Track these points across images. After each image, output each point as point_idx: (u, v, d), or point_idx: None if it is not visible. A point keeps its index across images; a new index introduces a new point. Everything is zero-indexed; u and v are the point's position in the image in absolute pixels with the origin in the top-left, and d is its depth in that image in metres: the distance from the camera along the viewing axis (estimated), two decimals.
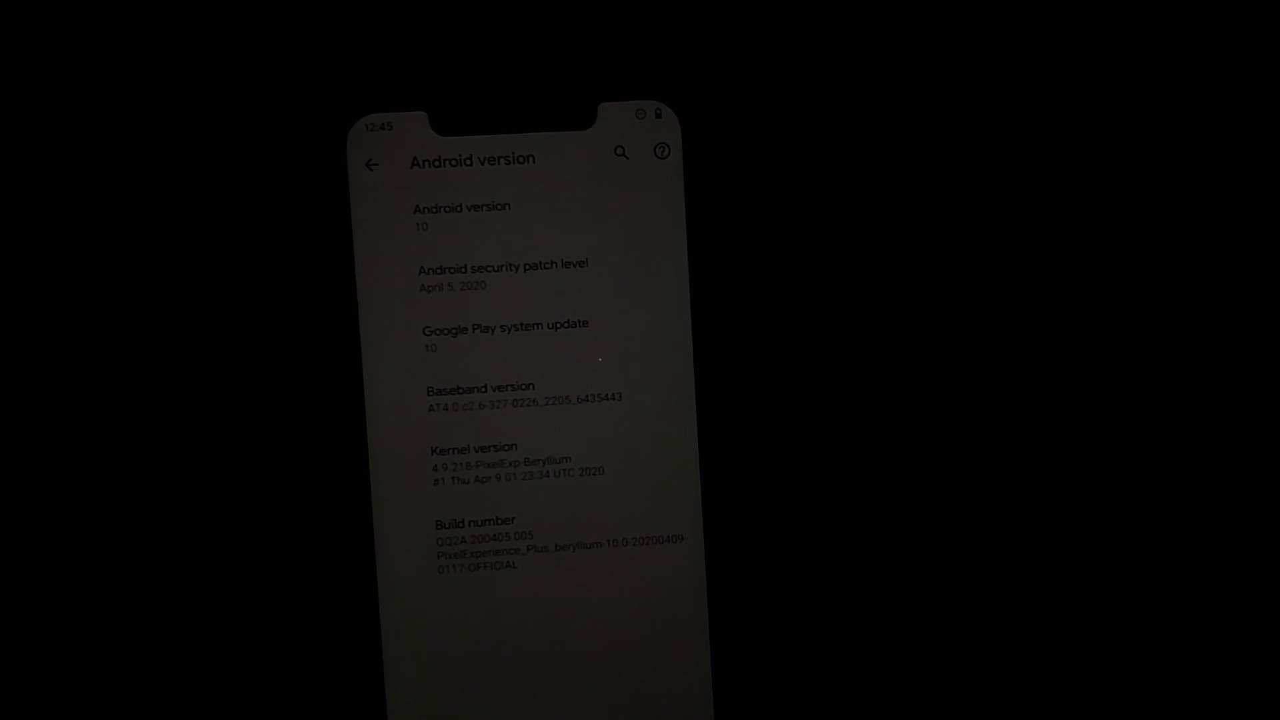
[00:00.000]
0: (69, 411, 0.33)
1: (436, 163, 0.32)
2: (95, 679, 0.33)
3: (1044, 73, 0.34)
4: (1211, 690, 0.35)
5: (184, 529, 0.33)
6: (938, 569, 0.35)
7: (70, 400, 0.33)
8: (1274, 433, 0.34)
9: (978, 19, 0.34)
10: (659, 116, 0.33)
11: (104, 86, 0.32)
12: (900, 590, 0.34)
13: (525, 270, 0.33)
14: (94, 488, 0.33)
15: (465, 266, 0.32)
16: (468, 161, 0.32)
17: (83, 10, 0.32)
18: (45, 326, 0.33)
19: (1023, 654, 0.35)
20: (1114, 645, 0.35)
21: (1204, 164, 0.34)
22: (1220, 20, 0.34)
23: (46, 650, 0.33)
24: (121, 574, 0.33)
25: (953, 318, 0.34)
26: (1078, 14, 0.34)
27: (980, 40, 0.34)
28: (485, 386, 0.33)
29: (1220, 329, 0.34)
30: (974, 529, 0.35)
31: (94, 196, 0.33)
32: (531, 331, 0.33)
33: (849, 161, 0.34)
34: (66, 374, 0.33)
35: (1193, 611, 0.35)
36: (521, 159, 0.32)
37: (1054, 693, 0.35)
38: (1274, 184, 0.34)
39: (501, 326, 0.33)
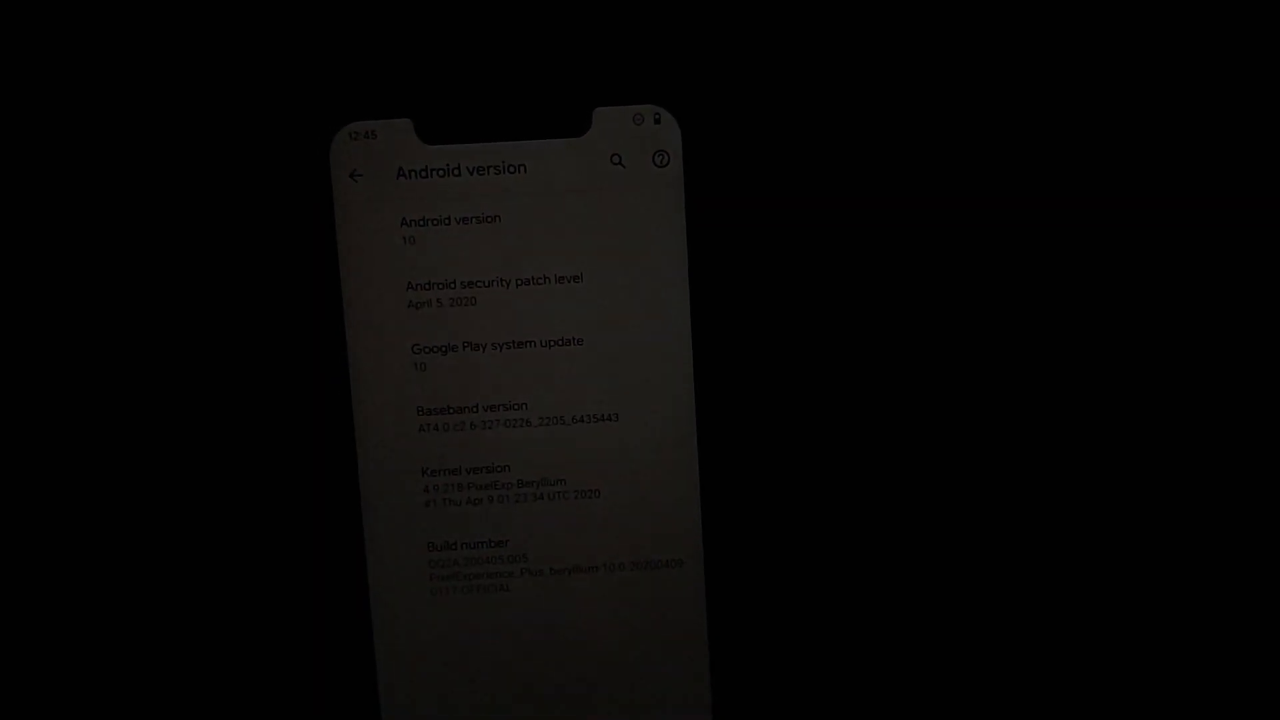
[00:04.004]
0: (49, 433, 0.32)
1: (423, 173, 0.31)
2: (85, 689, 0.33)
3: (1057, 81, 0.31)
4: (1211, 690, 0.34)
5: (172, 552, 0.33)
6: (949, 602, 0.33)
7: (49, 421, 0.32)
8: (1274, 433, 0.32)
9: (990, 20, 0.31)
10: (658, 122, 0.31)
11: (73, 95, 0.31)
12: (909, 620, 0.33)
13: (518, 285, 0.31)
14: (76, 503, 0.32)
15: (455, 282, 0.31)
16: (456, 171, 0.31)
17: (52, 20, 0.31)
18: (23, 353, 0.32)
19: (1027, 671, 0.34)
20: (1119, 652, 0.34)
21: (1203, 164, 0.32)
22: (1220, 20, 0.31)
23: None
24: (105, 605, 0.33)
25: (968, 340, 0.32)
26: (1091, 18, 0.31)
27: (991, 44, 0.31)
28: (477, 406, 0.32)
29: (1220, 329, 0.32)
30: (987, 555, 0.33)
31: (68, 210, 0.32)
32: (524, 349, 0.31)
33: (862, 171, 0.32)
34: (48, 399, 0.32)
35: (1192, 612, 0.33)
36: (513, 168, 0.31)
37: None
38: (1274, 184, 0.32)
39: (493, 344, 0.31)
